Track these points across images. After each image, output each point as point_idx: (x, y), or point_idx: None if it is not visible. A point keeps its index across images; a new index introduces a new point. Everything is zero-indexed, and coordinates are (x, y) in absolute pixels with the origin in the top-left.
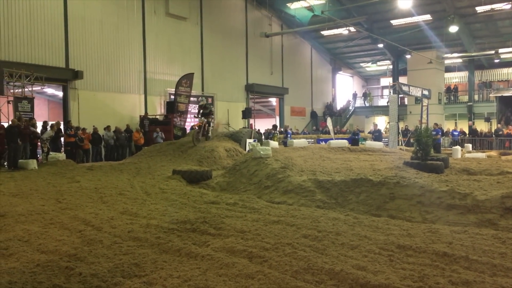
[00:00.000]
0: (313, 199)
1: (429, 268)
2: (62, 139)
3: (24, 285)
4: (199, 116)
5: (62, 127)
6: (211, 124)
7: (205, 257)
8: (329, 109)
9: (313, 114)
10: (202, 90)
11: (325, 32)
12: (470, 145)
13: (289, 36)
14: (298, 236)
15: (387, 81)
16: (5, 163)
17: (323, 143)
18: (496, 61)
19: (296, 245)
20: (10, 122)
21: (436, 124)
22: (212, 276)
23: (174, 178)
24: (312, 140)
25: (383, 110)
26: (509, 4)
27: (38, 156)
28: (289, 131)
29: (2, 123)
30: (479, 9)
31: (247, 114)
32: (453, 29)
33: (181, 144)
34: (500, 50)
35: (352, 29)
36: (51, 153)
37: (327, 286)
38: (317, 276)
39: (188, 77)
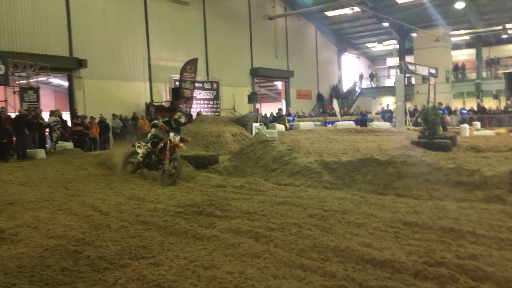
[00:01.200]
0: (320, 180)
1: (435, 243)
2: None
3: (33, 269)
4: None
5: (68, 117)
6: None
7: (211, 238)
8: (336, 91)
9: (320, 97)
10: (207, 75)
11: (329, 13)
12: (478, 123)
13: (293, 18)
14: (304, 216)
15: (393, 61)
16: (14, 153)
17: (330, 125)
18: (504, 37)
19: (302, 224)
20: (17, 113)
21: (440, 103)
22: (218, 256)
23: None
24: (319, 122)
25: (390, 91)
26: None
27: (46, 145)
28: (293, 114)
29: (8, 114)
30: None
31: (252, 98)
32: (460, 5)
33: (187, 130)
34: (508, 26)
35: (356, 8)
36: (59, 142)
37: (332, 263)
38: (322, 253)
39: (192, 63)
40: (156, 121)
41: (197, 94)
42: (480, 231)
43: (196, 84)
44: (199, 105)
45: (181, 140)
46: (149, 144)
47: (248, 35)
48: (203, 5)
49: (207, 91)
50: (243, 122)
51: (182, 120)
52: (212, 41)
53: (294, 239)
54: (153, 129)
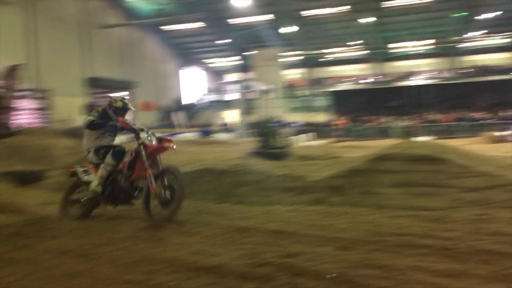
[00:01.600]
0: None
1: (262, 246)
2: None
3: None
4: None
5: None
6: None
7: (28, 261)
8: (180, 104)
9: (164, 109)
10: (37, 84)
11: (168, 27)
12: (309, 134)
13: (135, 29)
14: (136, 229)
15: (235, 76)
16: None
17: (174, 137)
18: (328, 59)
19: (134, 238)
20: None
21: (275, 116)
22: (34, 280)
23: (2, 180)
24: (164, 134)
25: (232, 104)
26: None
27: None
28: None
29: None
30: (305, 13)
31: (89, 109)
32: (290, 29)
33: (11, 143)
34: (329, 50)
35: (196, 25)
36: None
37: (163, 274)
38: (153, 265)
39: (14, 69)
40: (90, 118)
41: (24, 104)
42: (302, 231)
43: (23, 93)
44: (26, 115)
45: (160, 140)
46: (109, 159)
47: (85, 43)
48: (31, 7)
49: (36, 101)
50: (78, 133)
51: (129, 105)
52: (43, 46)
53: (122, 254)
54: (86, 134)
